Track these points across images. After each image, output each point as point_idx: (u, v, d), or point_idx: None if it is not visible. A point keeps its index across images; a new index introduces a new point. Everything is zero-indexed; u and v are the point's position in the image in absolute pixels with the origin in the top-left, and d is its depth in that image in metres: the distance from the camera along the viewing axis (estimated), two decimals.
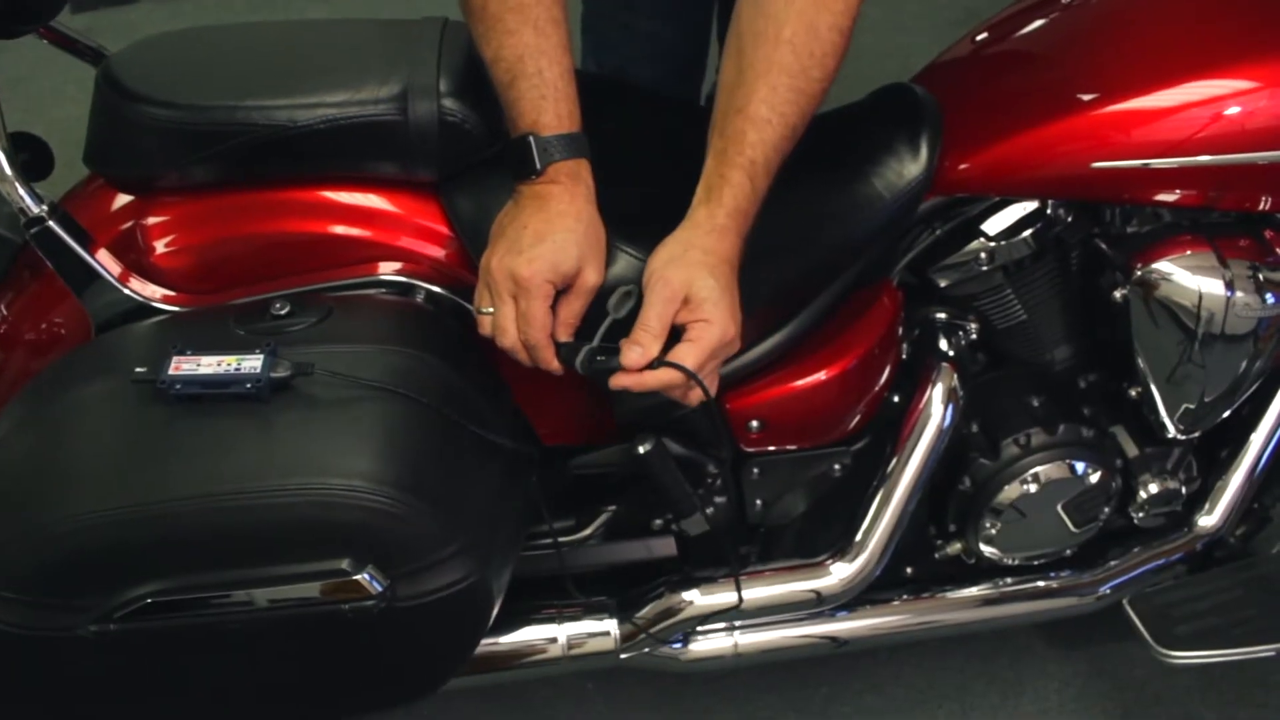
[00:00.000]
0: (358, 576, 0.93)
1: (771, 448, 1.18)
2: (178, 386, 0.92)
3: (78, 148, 1.09)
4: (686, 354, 0.94)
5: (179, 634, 0.95)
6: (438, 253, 1.09)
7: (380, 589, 0.93)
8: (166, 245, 1.08)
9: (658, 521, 1.24)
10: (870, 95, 1.22)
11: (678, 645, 1.24)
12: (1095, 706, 1.43)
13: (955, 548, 1.27)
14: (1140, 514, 1.27)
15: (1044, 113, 1.10)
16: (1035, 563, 1.29)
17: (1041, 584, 1.29)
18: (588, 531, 1.21)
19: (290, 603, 0.93)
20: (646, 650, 1.22)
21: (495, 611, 1.03)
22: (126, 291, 1.07)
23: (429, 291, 1.09)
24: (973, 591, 1.29)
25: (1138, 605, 1.24)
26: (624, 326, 0.98)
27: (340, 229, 1.08)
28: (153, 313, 1.08)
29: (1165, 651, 1.21)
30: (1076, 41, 1.18)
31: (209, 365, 0.93)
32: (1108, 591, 1.28)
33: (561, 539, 1.20)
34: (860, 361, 1.14)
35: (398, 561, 0.94)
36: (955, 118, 1.14)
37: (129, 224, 1.09)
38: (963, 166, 1.12)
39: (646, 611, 1.22)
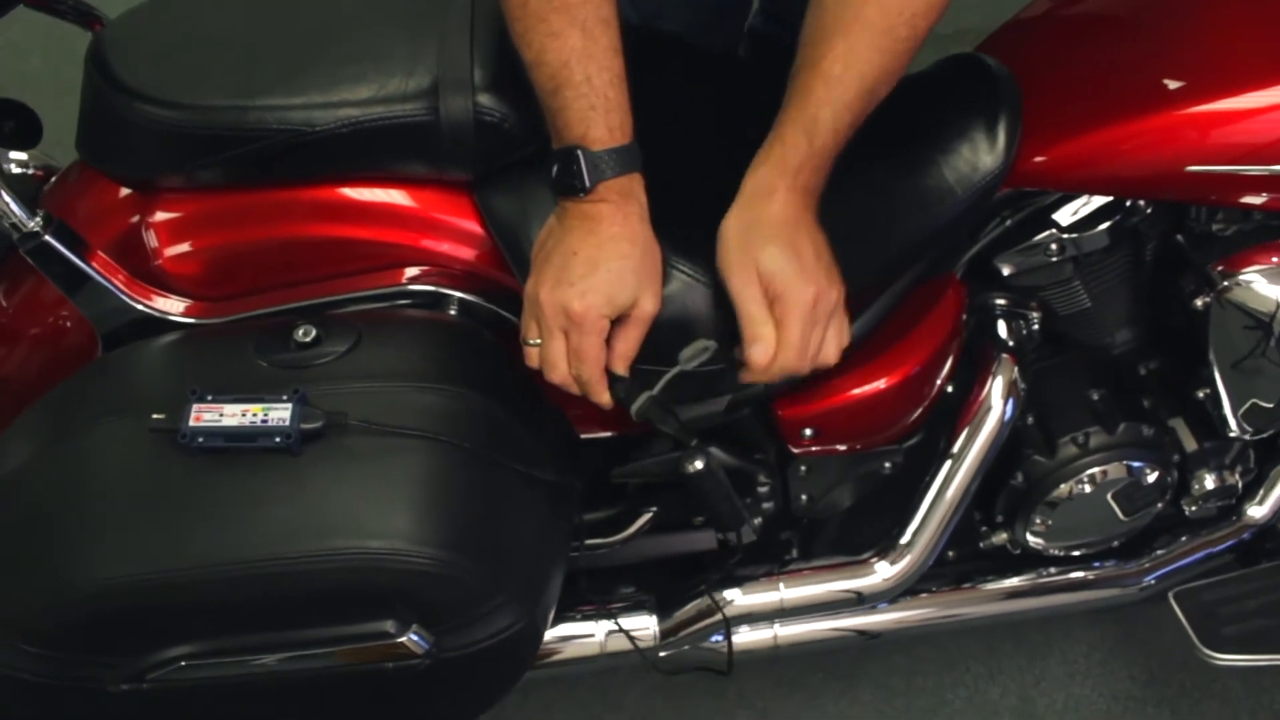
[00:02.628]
0: (403, 639, 0.84)
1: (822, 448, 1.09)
2: (200, 440, 0.82)
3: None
4: (787, 332, 0.86)
5: (213, 687, 0.87)
6: (470, 256, 0.97)
7: (426, 647, 0.86)
8: (173, 248, 0.95)
9: (699, 518, 1.16)
10: (936, 65, 1.07)
11: (718, 639, 1.17)
12: (1121, 671, 1.39)
13: (1001, 537, 1.20)
14: (1194, 507, 1.19)
15: (1135, 105, 0.96)
16: (1080, 552, 1.22)
17: (1085, 574, 1.22)
18: (628, 533, 1.12)
19: (332, 664, 0.86)
20: (686, 647, 1.16)
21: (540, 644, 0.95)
22: (134, 304, 0.95)
23: (461, 300, 0.98)
24: (1016, 582, 1.22)
25: (1184, 602, 1.18)
26: (691, 378, 0.88)
27: (364, 232, 0.95)
28: (162, 323, 0.96)
29: (1210, 653, 1.15)
30: (1175, 14, 1.03)
31: (233, 415, 0.82)
32: (1153, 582, 1.22)
33: (600, 540, 1.12)
34: (923, 368, 1.04)
35: (444, 618, 0.86)
36: (1030, 100, 1.01)
37: (131, 222, 0.95)
38: (1038, 159, 0.99)
39: (686, 610, 1.15)
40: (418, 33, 0.93)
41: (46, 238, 0.90)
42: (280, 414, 0.82)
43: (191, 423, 0.82)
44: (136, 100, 0.89)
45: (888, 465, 1.13)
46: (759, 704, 1.40)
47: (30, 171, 1.04)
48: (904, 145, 1.01)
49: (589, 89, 0.84)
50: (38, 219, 0.90)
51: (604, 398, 0.88)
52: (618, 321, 0.87)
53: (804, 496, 1.14)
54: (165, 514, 0.81)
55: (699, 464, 1.00)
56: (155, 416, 0.83)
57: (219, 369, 0.88)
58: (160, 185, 0.95)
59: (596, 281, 0.85)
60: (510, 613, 0.88)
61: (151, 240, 0.95)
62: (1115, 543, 1.22)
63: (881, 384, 1.03)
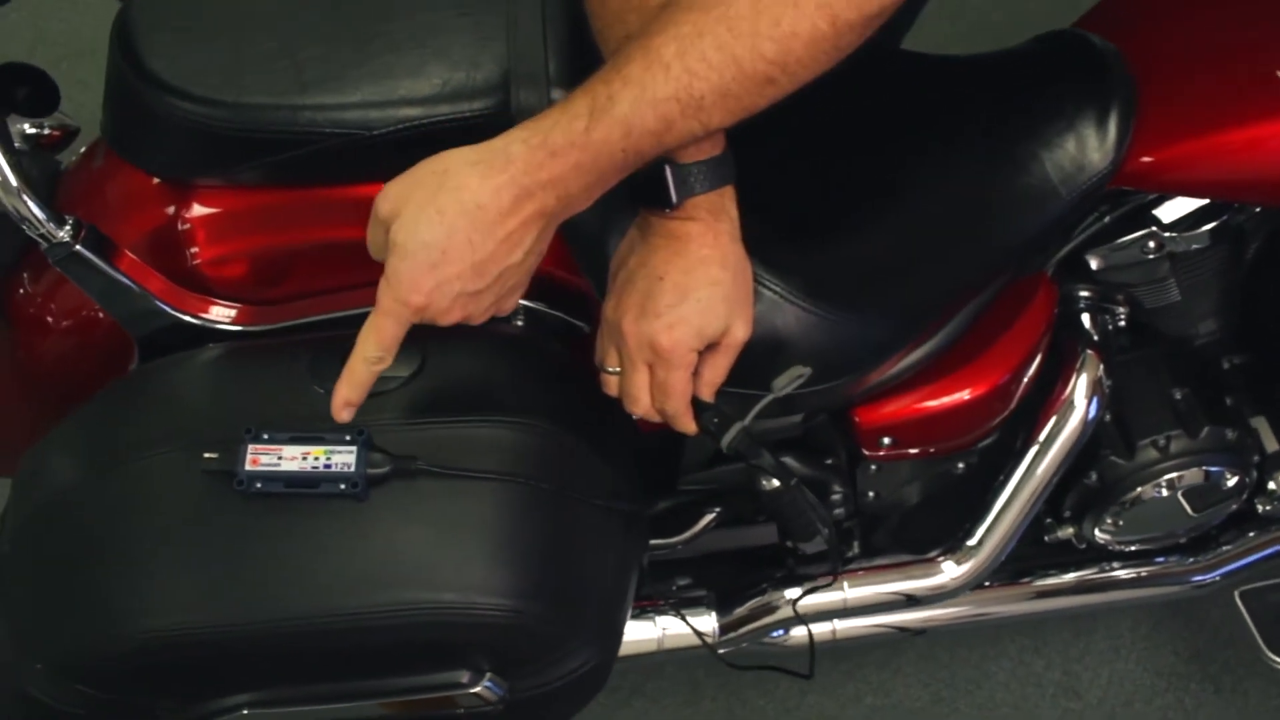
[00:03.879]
0: (477, 689, 0.79)
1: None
2: (258, 485, 0.74)
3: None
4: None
5: None
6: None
7: (500, 694, 0.80)
8: (212, 249, 0.86)
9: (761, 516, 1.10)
10: (1033, 43, 0.97)
11: (778, 634, 1.12)
12: (1166, 646, 1.36)
13: (1066, 532, 1.14)
14: (1268, 506, 1.14)
15: (1258, 103, 0.87)
16: (1145, 547, 1.17)
17: (1150, 569, 1.17)
18: (691, 533, 1.06)
19: (402, 714, 0.80)
20: (745, 645, 1.11)
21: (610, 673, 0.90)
22: (172, 313, 0.86)
23: (527, 308, 0.89)
24: (1079, 576, 1.17)
25: (1250, 602, 1.14)
26: (783, 402, 0.80)
27: None
28: (202, 331, 0.88)
29: (1275, 657, 1.11)
30: None
31: (292, 459, 0.75)
32: (1218, 578, 1.17)
33: (662, 540, 1.05)
34: (1011, 377, 0.96)
35: (519, 664, 0.81)
36: (1140, 88, 0.91)
37: (165, 217, 0.86)
38: (1145, 159, 0.89)
39: (747, 608, 1.10)
40: (482, 19, 0.82)
41: (78, 248, 0.81)
42: (344, 458, 0.74)
43: (248, 466, 0.74)
44: (169, 95, 0.78)
45: (961, 465, 1.06)
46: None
47: (45, 132, 0.93)
48: (1002, 138, 0.91)
49: None
50: (67, 228, 0.80)
51: (690, 429, 0.81)
52: (706, 348, 0.79)
53: (871, 494, 1.08)
54: (223, 563, 0.75)
55: (776, 482, 0.93)
56: (208, 456, 0.75)
57: (271, 396, 0.80)
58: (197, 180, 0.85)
59: (685, 312, 0.76)
60: (585, 653, 0.82)
61: (188, 238, 0.86)
62: (1182, 539, 1.17)
63: (968, 394, 0.95)
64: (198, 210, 0.85)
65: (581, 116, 0.67)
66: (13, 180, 0.78)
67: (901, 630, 1.15)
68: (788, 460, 0.98)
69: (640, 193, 0.77)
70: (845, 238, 0.87)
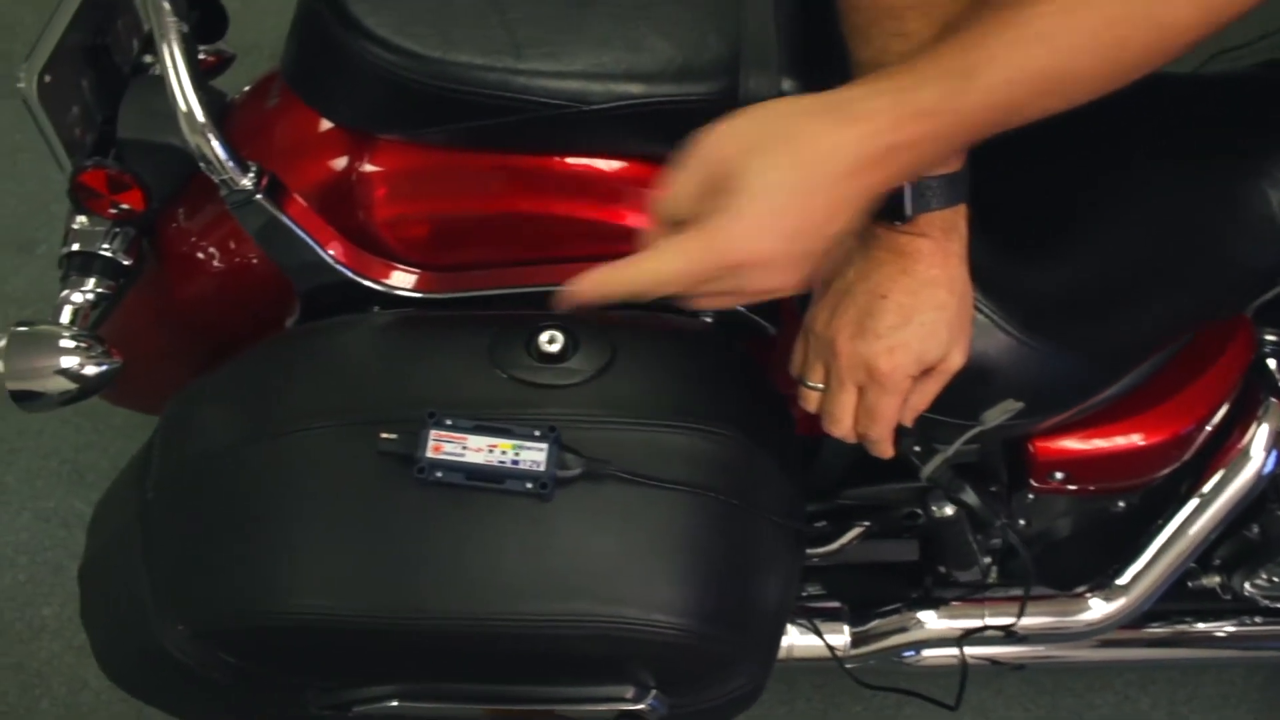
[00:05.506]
0: (640, 706, 0.75)
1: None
2: (438, 474, 0.70)
3: None
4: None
5: None
6: None
7: (662, 712, 0.76)
8: (391, 208, 0.81)
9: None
10: (1260, 68, 0.90)
11: (909, 654, 1.08)
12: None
13: (1213, 580, 1.09)
14: None
15: None
16: None
17: None
18: (837, 545, 1.00)
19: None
20: (872, 663, 1.07)
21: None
22: (351, 276, 0.81)
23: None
24: (1222, 627, 1.12)
25: None
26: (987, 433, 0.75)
27: (617, 215, 0.80)
28: (371, 294, 0.83)
29: None
30: None
31: (477, 450, 0.70)
32: None
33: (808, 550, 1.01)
34: (1199, 423, 0.91)
35: (683, 682, 0.76)
36: None
37: (344, 168, 0.81)
38: None
39: (880, 626, 1.06)
40: None
41: (259, 199, 0.76)
42: (533, 455, 0.70)
43: (430, 453, 0.70)
44: (370, 43, 0.73)
45: (1122, 504, 1.01)
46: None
47: (200, 57, 0.88)
48: (1222, 168, 0.85)
49: None
50: (251, 175, 0.75)
51: (888, 454, 0.76)
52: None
53: (1021, 522, 1.03)
54: (395, 551, 0.70)
55: (949, 510, 0.88)
56: (386, 436, 0.70)
57: (449, 376, 0.75)
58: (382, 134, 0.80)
59: (908, 336, 0.71)
60: (748, 673, 0.78)
61: (367, 194, 0.81)
62: None
63: (1156, 437, 0.90)
64: (380, 165, 0.80)
65: (953, 77, 0.59)
66: (200, 117, 0.73)
67: (1032, 661, 1.10)
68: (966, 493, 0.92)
69: None
70: (1065, 263, 0.81)
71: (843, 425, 0.74)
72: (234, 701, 0.82)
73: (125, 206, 0.81)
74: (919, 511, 0.94)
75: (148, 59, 0.87)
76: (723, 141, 0.61)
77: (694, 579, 0.71)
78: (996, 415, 0.75)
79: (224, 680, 0.77)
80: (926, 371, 0.73)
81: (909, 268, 0.71)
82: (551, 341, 0.75)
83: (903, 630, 1.05)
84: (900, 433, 0.75)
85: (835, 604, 1.06)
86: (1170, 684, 1.32)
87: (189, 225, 0.87)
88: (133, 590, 0.76)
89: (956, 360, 0.73)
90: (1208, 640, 1.11)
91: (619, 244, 0.81)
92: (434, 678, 0.75)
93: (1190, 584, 1.10)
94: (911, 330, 0.70)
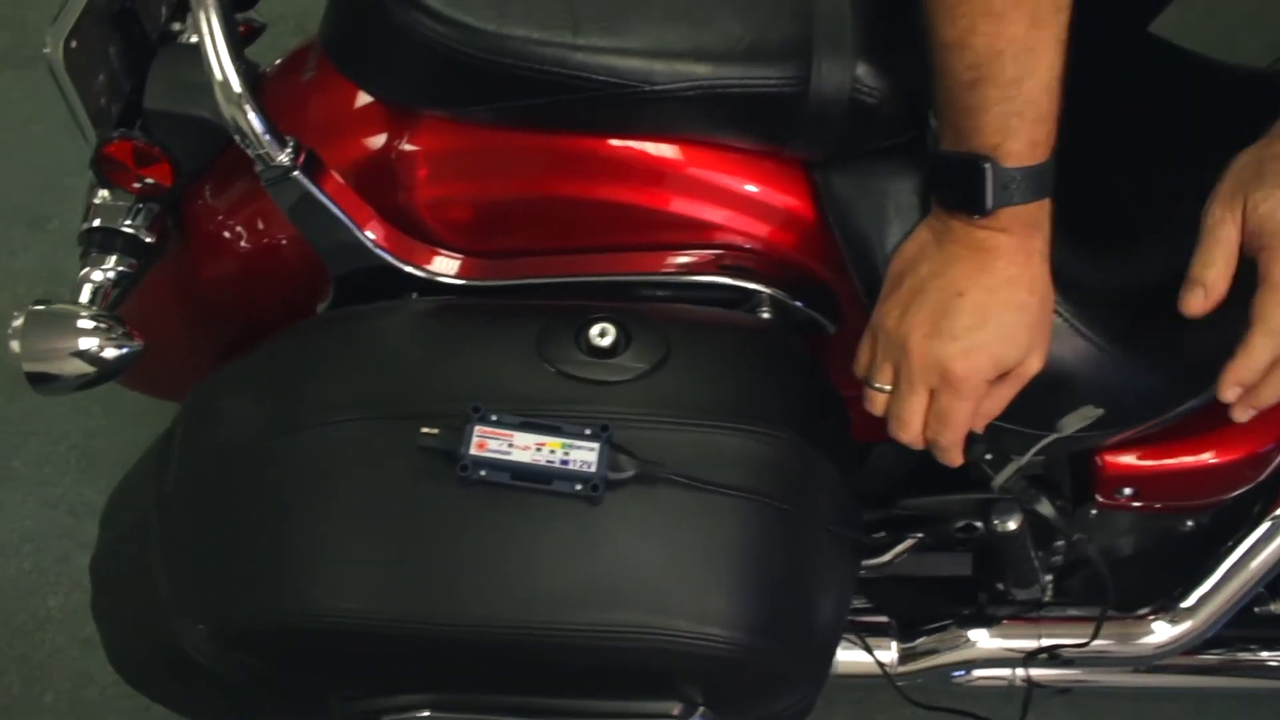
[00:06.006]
0: None
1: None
2: (482, 473, 0.67)
3: None
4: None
5: None
6: (790, 244, 0.79)
7: None
8: (434, 189, 0.78)
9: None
10: None
11: (959, 675, 1.04)
12: None
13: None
14: None
15: None
16: None
17: None
18: (889, 557, 0.98)
19: None
20: (919, 681, 1.04)
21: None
22: (391, 260, 0.78)
23: (772, 299, 0.80)
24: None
25: None
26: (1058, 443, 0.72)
27: (673, 202, 0.78)
28: (410, 279, 0.80)
29: None
30: None
31: (524, 448, 0.67)
32: None
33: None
34: (1277, 443, 0.87)
35: (733, 700, 0.73)
36: None
37: (385, 146, 0.78)
38: None
39: (930, 643, 1.02)
40: None
41: (297, 175, 0.73)
42: (584, 455, 0.67)
43: (474, 450, 0.67)
44: (419, 13, 0.70)
45: (1190, 523, 0.97)
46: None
47: None
48: None
49: (1017, 91, 0.64)
50: (289, 150, 0.72)
51: (956, 462, 0.73)
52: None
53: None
54: (433, 554, 0.67)
55: (1012, 525, 0.85)
56: (426, 431, 0.68)
57: (493, 369, 0.72)
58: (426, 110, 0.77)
59: (985, 338, 0.68)
60: (800, 690, 0.75)
61: (409, 173, 0.78)
62: None
63: (1233, 454, 0.86)
64: (424, 143, 0.77)
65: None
66: (237, 87, 0.69)
67: (1083, 685, 1.07)
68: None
69: (947, 192, 0.69)
70: (1150, 268, 0.77)
71: (911, 430, 0.71)
72: (252, 706, 0.80)
73: (151, 181, 0.78)
74: (977, 524, 0.91)
75: (176, 26, 0.85)
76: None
77: (750, 590, 0.68)
78: (1075, 422, 0.72)
79: (242, 683, 0.74)
80: (1002, 376, 0.70)
81: (988, 265, 0.68)
82: (603, 334, 0.72)
83: (954, 648, 1.01)
84: (970, 440, 0.72)
85: (883, 618, 1.03)
86: (1227, 713, 1.28)
87: (217, 202, 0.84)
88: (149, 586, 0.74)
89: (1034, 365, 0.71)
90: (1270, 670, 1.08)
91: (674, 232, 0.79)
92: (469, 689, 0.72)
93: (1257, 610, 1.07)
94: (990, 331, 0.68)
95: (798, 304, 0.80)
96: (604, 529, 0.67)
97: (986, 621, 1.01)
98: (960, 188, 0.68)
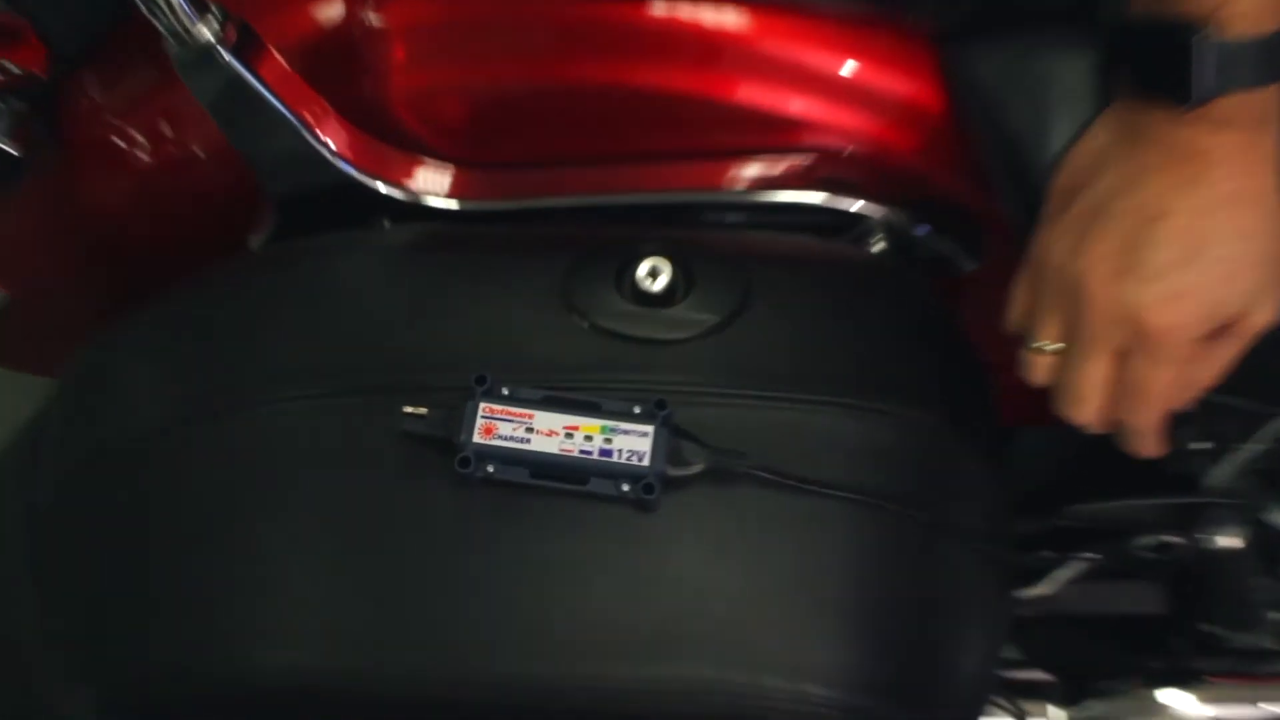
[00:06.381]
0: None
1: None
2: (490, 469, 0.68)
3: None
4: None
5: None
6: (909, 146, 0.81)
7: None
8: (416, 76, 0.82)
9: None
10: None
11: None
12: None
13: None
14: None
15: None
16: None
17: None
18: (1050, 589, 1.00)
19: None
20: None
21: None
22: (355, 176, 0.80)
23: (888, 226, 0.82)
24: None
25: None
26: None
27: (747, 89, 0.80)
28: (386, 201, 0.82)
29: None
30: None
31: (548, 433, 0.68)
32: None
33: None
34: None
35: None
36: None
37: (342, 18, 0.81)
38: None
39: (1110, 709, 1.04)
40: None
41: (222, 54, 0.74)
42: (632, 443, 0.68)
43: (478, 436, 0.68)
44: None
45: None
46: None
47: None
48: None
49: None
50: (211, 22, 0.73)
51: (1155, 451, 0.74)
52: None
53: None
54: (418, 583, 0.69)
55: (1230, 541, 0.86)
56: (410, 411, 0.69)
57: (504, 324, 0.74)
58: None
59: (1195, 278, 0.68)
60: None
61: (379, 56, 0.82)
62: None
63: None
64: (399, 15, 0.80)
65: None
66: None
67: None
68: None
69: (1140, 74, 0.70)
70: None
71: (1089, 406, 0.72)
72: None
73: (15, 70, 0.81)
74: (1176, 539, 0.92)
75: None
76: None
77: (864, 633, 0.69)
78: None
79: None
80: (1220, 331, 0.71)
81: (1198, 176, 0.69)
82: (654, 275, 0.73)
83: (1142, 717, 1.04)
84: (1174, 421, 0.73)
85: (1042, 674, 1.05)
86: None
87: (108, 99, 0.86)
88: (10, 632, 0.76)
89: (1263, 316, 0.71)
90: None
91: (747, 133, 0.81)
92: None
93: None
94: (1201, 269, 0.68)
95: (922, 231, 0.82)
96: (662, 547, 0.69)
97: (1187, 679, 1.03)
98: (1160, 67, 0.68)
